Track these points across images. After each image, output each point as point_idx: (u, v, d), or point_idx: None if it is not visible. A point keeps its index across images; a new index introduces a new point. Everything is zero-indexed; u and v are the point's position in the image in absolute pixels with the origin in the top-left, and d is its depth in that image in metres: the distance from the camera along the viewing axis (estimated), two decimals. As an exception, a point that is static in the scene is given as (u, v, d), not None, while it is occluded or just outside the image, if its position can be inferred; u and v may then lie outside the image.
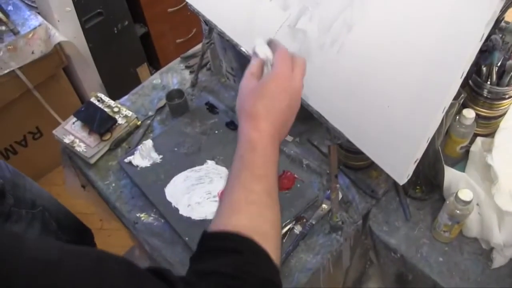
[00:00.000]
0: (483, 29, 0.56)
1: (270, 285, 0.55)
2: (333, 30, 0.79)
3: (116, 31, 2.13)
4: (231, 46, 1.27)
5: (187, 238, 1.08)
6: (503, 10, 0.90)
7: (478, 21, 0.56)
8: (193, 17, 2.44)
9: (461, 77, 0.62)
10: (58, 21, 1.83)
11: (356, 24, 0.74)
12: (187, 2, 1.20)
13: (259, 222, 0.58)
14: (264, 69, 0.69)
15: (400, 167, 0.76)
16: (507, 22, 1.04)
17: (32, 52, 1.72)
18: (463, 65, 0.60)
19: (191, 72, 1.51)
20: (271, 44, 0.71)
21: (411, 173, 0.76)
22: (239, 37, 1.06)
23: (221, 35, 1.12)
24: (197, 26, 2.52)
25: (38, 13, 1.81)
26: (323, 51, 0.83)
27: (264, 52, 0.69)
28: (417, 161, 0.74)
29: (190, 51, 1.57)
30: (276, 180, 0.63)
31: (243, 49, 1.05)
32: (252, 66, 0.70)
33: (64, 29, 1.85)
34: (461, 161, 1.13)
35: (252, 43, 1.00)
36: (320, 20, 0.81)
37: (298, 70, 0.68)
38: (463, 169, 1.10)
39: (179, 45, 2.49)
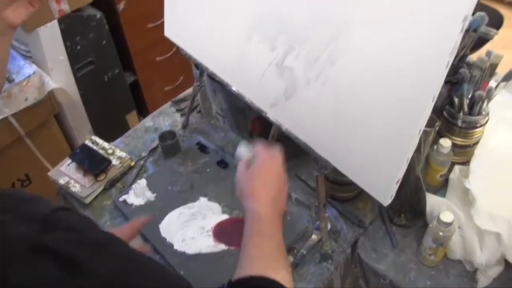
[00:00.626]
0: (447, 57, 0.64)
1: None
2: (317, 65, 0.86)
3: (106, 79, 2.21)
4: (220, 88, 1.34)
5: (182, 272, 1.11)
6: (467, 47, 0.99)
7: (443, 51, 0.64)
8: (181, 66, 2.55)
9: (432, 101, 0.69)
10: (51, 69, 1.90)
11: (338, 59, 0.82)
12: (179, 47, 1.28)
13: (277, 268, 0.69)
14: (250, 164, 0.85)
15: (384, 189, 0.82)
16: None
17: (26, 99, 1.77)
18: (434, 90, 0.68)
19: (182, 115, 1.58)
20: (252, 144, 0.89)
21: (394, 194, 0.82)
22: (230, 77, 1.13)
23: (212, 76, 1.20)
24: (184, 74, 2.62)
25: (33, 62, 1.88)
26: (309, 85, 0.90)
27: (246, 153, 0.88)
28: (399, 182, 0.80)
29: (181, 95, 1.65)
30: (282, 239, 0.76)
31: (233, 88, 1.12)
32: (241, 164, 0.86)
33: (57, 77, 1.92)
34: (441, 189, 1.20)
35: (242, 81, 1.08)
36: (306, 57, 0.88)
37: (275, 153, 0.85)
38: (444, 196, 1.16)
39: (166, 93, 2.57)
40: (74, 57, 1.99)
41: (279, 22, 0.92)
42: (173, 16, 1.28)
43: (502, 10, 2.35)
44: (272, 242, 0.74)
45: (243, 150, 0.89)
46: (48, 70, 1.89)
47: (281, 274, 0.67)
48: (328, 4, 0.82)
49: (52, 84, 1.85)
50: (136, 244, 0.98)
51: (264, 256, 0.71)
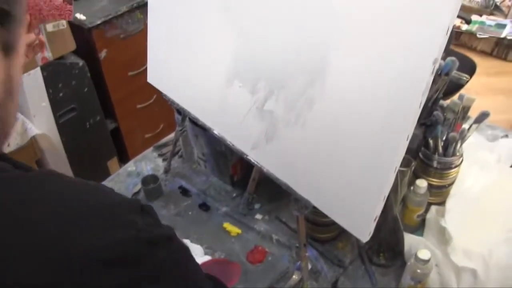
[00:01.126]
0: (420, 98, 0.68)
1: None
2: (297, 107, 0.90)
3: (88, 126, 2.23)
4: (202, 133, 1.37)
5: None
6: (440, 90, 1.05)
7: (416, 92, 0.69)
8: (161, 113, 2.59)
9: (407, 140, 0.73)
10: (34, 115, 1.92)
11: (316, 100, 0.86)
12: (162, 93, 1.32)
13: None
14: None
15: (362, 226, 0.84)
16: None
17: (8, 145, 1.78)
18: (408, 129, 0.72)
19: (164, 160, 1.59)
20: None
21: (372, 231, 0.84)
22: (212, 120, 1.16)
23: (195, 120, 1.23)
24: (164, 122, 2.65)
25: (15, 108, 1.89)
26: (288, 127, 0.93)
27: None
28: (376, 219, 0.82)
29: (163, 140, 1.67)
30: None
31: (215, 132, 1.15)
32: None
33: (39, 123, 1.94)
34: (419, 229, 1.23)
35: (223, 125, 1.12)
36: (285, 100, 0.92)
37: None
38: (421, 235, 1.19)
39: (147, 140, 2.59)
40: (56, 104, 2.01)
41: (257, 68, 0.97)
42: (155, 63, 1.32)
43: (475, 58, 2.48)
44: None
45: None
46: (30, 117, 1.91)
47: None
48: (302, 51, 0.86)
49: (34, 130, 1.86)
50: None
51: None
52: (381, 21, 0.72)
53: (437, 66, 0.66)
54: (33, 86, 1.89)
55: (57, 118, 2.04)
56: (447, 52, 0.96)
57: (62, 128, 2.08)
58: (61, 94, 2.03)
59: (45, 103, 1.96)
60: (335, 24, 0.79)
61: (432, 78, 0.67)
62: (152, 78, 1.35)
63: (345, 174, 0.84)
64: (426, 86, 0.67)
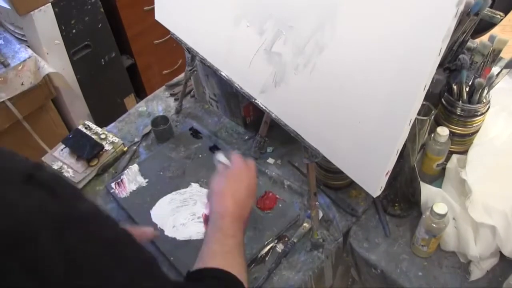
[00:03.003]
0: (440, 44, 0.60)
1: None
2: (306, 52, 0.83)
3: (103, 63, 2.18)
4: (213, 73, 1.31)
5: (172, 258, 1.10)
6: (468, 32, 0.95)
7: (435, 37, 0.61)
8: (179, 49, 2.50)
9: (424, 90, 0.65)
10: (47, 53, 1.87)
11: (326, 46, 0.79)
12: (170, 31, 1.25)
13: (233, 264, 0.73)
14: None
15: (373, 180, 0.79)
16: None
17: (22, 84, 1.75)
18: (425, 79, 0.64)
19: (175, 100, 1.55)
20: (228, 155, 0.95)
21: (383, 186, 0.79)
22: (220, 62, 1.10)
23: (203, 61, 1.17)
24: (182, 58, 2.58)
25: (28, 46, 1.85)
26: (297, 72, 0.87)
27: (224, 160, 0.94)
28: (388, 174, 0.77)
29: (175, 79, 1.62)
30: (243, 240, 0.81)
31: (223, 73, 1.09)
32: (219, 167, 0.93)
33: (52, 61, 1.89)
34: (438, 179, 1.17)
35: (231, 67, 1.05)
36: (294, 43, 0.85)
37: (251, 164, 0.91)
38: (440, 186, 1.13)
39: (165, 76, 2.54)
40: (69, 41, 1.96)
41: (266, 7, 0.89)
42: (163, 1, 1.24)
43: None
44: (234, 240, 0.78)
45: (221, 158, 0.95)
46: (43, 54, 1.86)
47: (238, 271, 0.71)
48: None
49: (48, 68, 1.82)
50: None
51: (224, 253, 0.76)
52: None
53: (461, 8, 0.57)
54: (44, 23, 1.83)
55: (71, 55, 1.99)
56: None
57: (76, 65, 2.04)
58: (74, 31, 1.97)
59: (58, 40, 1.91)
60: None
61: (455, 22, 0.59)
62: (160, 15, 1.28)
63: (356, 125, 0.78)
64: (447, 32, 0.59)
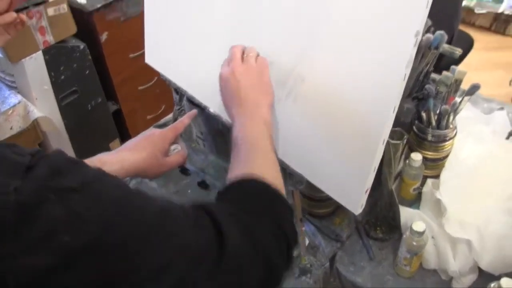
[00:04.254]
0: (404, 70, 0.69)
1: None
2: (288, 84, 0.91)
3: (89, 108, 2.25)
4: (200, 112, 1.38)
5: None
6: (431, 64, 1.05)
7: (400, 64, 0.69)
8: (162, 95, 2.60)
9: (393, 112, 0.74)
10: (36, 98, 1.94)
11: (306, 77, 0.87)
12: (159, 73, 1.33)
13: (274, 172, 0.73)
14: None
15: (354, 199, 0.86)
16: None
17: (11, 128, 1.81)
18: (393, 101, 0.73)
19: (163, 139, 1.61)
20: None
21: (364, 203, 0.85)
22: (207, 99, 1.18)
23: (192, 99, 1.24)
24: (165, 103, 2.66)
25: (18, 91, 1.91)
26: (279, 104, 0.94)
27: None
28: (368, 191, 0.84)
29: (162, 120, 1.69)
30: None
31: (211, 110, 1.17)
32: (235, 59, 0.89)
33: (41, 106, 1.96)
34: (415, 203, 1.24)
35: (219, 103, 1.12)
36: (277, 77, 0.93)
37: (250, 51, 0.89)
38: (418, 209, 1.20)
39: (148, 121, 2.61)
40: (58, 87, 2.03)
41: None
42: (153, 43, 1.33)
43: (474, 33, 2.46)
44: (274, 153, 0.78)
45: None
46: (32, 100, 1.93)
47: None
48: (291, 28, 0.88)
49: (36, 113, 1.88)
50: (177, 148, 1.00)
51: (267, 159, 0.75)
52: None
53: (419, 38, 0.66)
54: (35, 69, 1.91)
55: (59, 100, 2.06)
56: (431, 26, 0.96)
57: (64, 110, 2.10)
58: (62, 77, 2.04)
59: (47, 86, 1.98)
60: (321, 2, 0.80)
61: (415, 50, 0.68)
62: (150, 58, 1.36)
63: (335, 147, 0.86)
64: (409, 58, 0.68)
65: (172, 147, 0.98)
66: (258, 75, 0.86)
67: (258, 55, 0.89)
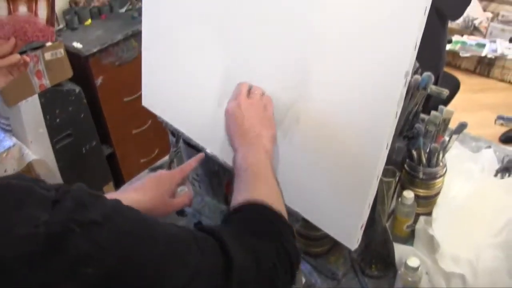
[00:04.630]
0: (395, 108, 0.73)
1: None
2: (283, 124, 0.95)
3: (84, 151, 2.27)
4: (196, 153, 1.41)
5: None
6: (419, 104, 1.10)
7: (392, 102, 0.73)
8: (156, 139, 2.63)
9: (386, 148, 0.77)
10: (31, 141, 1.96)
11: (301, 117, 0.91)
12: (156, 115, 1.36)
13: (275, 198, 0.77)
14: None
15: (350, 234, 0.88)
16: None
17: (5, 171, 1.82)
18: (386, 138, 0.76)
19: (159, 180, 1.62)
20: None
21: (360, 238, 0.88)
22: (204, 141, 1.21)
23: (188, 141, 1.27)
24: (159, 147, 2.69)
25: (12, 134, 1.94)
26: (276, 146, 0.98)
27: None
28: (363, 226, 0.86)
29: (159, 162, 1.71)
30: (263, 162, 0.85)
31: (208, 151, 1.19)
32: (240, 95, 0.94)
33: (36, 149, 1.98)
34: (409, 240, 1.26)
35: (216, 144, 1.16)
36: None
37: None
38: (412, 246, 1.22)
39: (142, 165, 2.63)
40: (53, 130, 2.06)
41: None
42: (150, 86, 1.37)
43: (459, 75, 2.55)
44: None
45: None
46: (27, 142, 1.95)
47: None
48: (286, 70, 0.92)
49: (31, 155, 1.90)
50: (184, 190, 1.02)
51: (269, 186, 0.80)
52: (356, 38, 0.77)
53: (409, 78, 0.71)
54: (30, 112, 1.94)
55: (53, 143, 2.08)
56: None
57: (58, 153, 2.12)
58: (58, 120, 2.07)
59: (42, 129, 2.01)
60: (315, 43, 0.84)
61: (405, 89, 0.72)
62: (147, 101, 1.40)
63: (331, 184, 0.88)
64: (400, 97, 0.72)
65: (179, 188, 1.00)
66: (262, 109, 0.91)
67: (263, 93, 0.95)
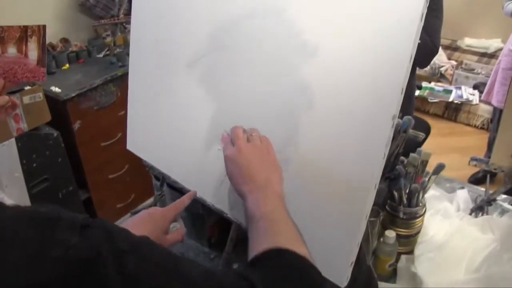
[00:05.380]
0: (383, 149, 0.77)
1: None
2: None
3: (60, 196, 2.24)
4: (179, 197, 1.41)
5: None
6: (400, 146, 1.16)
7: (380, 144, 0.78)
8: (132, 184, 2.62)
9: (374, 188, 0.81)
10: (6, 186, 1.93)
11: (291, 161, 0.94)
12: (142, 159, 1.37)
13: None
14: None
15: (340, 271, 0.90)
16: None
17: (-20, 216, 1.77)
18: (375, 178, 0.80)
19: (141, 224, 1.62)
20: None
21: (349, 276, 0.90)
22: (192, 183, 1.22)
23: (173, 184, 1.28)
24: (135, 192, 2.68)
25: (-12, 178, 1.91)
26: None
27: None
28: (353, 264, 0.89)
29: (140, 206, 1.71)
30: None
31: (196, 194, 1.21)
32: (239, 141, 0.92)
33: (11, 193, 1.94)
34: (391, 278, 1.29)
35: (203, 187, 1.17)
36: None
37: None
38: (395, 283, 1.25)
39: (118, 210, 2.61)
40: (29, 174, 2.04)
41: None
42: (135, 130, 1.38)
43: (429, 120, 2.67)
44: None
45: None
46: (2, 187, 1.92)
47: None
48: (275, 116, 0.95)
49: (6, 200, 1.86)
50: (177, 226, 1.02)
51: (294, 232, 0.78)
52: (345, 84, 0.82)
53: (395, 121, 0.75)
54: (7, 156, 1.92)
55: (29, 188, 2.05)
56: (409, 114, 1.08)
57: (34, 198, 2.09)
58: (34, 165, 2.05)
59: (18, 174, 1.98)
60: (304, 88, 0.89)
61: (392, 131, 0.76)
62: (131, 145, 1.40)
63: (321, 224, 0.91)
64: (388, 139, 0.76)
65: (172, 225, 1.02)
66: (265, 152, 0.90)
67: (260, 135, 0.95)
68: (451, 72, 4.23)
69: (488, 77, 3.28)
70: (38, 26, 1.09)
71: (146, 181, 1.40)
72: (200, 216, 1.42)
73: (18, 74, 1.10)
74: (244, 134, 0.93)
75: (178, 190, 1.28)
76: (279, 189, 0.85)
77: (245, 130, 0.95)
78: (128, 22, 2.81)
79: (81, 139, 2.33)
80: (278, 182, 0.87)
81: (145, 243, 0.58)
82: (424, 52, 2.13)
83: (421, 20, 0.71)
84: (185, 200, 1.06)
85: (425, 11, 0.71)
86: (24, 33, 1.08)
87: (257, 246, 0.72)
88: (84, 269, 0.49)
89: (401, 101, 0.74)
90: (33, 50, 1.10)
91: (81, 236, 0.50)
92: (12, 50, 1.08)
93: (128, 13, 2.88)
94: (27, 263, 0.47)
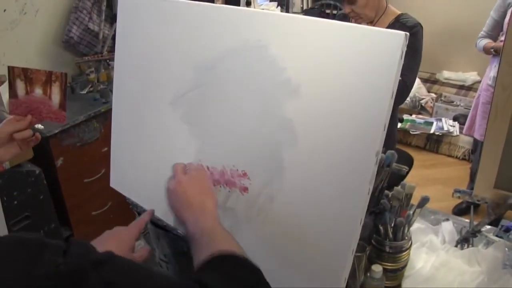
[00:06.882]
0: (368, 185, 0.78)
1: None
2: (257, 204, 0.98)
3: (42, 233, 2.19)
4: (164, 234, 1.40)
5: None
6: (384, 180, 1.16)
7: (364, 180, 0.78)
8: (115, 220, 2.58)
9: (360, 223, 0.81)
10: (-14, 226, 1.88)
11: (276, 197, 0.94)
12: (125, 197, 1.36)
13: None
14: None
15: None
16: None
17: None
18: (360, 214, 0.80)
19: (124, 262, 1.59)
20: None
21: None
22: (175, 221, 1.21)
23: (157, 222, 1.27)
24: (119, 228, 2.64)
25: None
26: (250, 223, 1.00)
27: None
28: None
29: (123, 243, 1.68)
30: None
31: (179, 231, 1.19)
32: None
33: (-9, 234, 1.90)
34: (379, 313, 1.28)
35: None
36: (246, 198, 1.00)
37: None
38: (382, 319, 1.24)
39: (102, 246, 2.56)
40: (10, 212, 2.00)
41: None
42: (118, 168, 1.37)
43: (411, 152, 2.69)
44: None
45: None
46: (-19, 227, 1.87)
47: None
48: (258, 154, 0.96)
49: (-14, 241, 1.82)
50: (141, 244, 1.05)
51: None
52: (329, 124, 0.83)
53: (379, 157, 0.76)
54: (-13, 195, 1.88)
55: (10, 226, 2.00)
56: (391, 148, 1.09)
57: (15, 237, 2.04)
58: (15, 202, 2.02)
59: (-1, 213, 1.94)
60: (288, 127, 0.89)
61: (376, 167, 0.77)
62: (115, 183, 1.39)
63: (308, 261, 0.90)
64: (372, 175, 0.77)
65: (137, 243, 1.06)
66: (200, 181, 1.01)
67: (198, 168, 1.05)
68: (431, 104, 4.32)
69: (467, 109, 3.34)
70: (61, 73, 1.19)
71: (129, 218, 1.37)
72: (185, 254, 1.39)
73: (43, 113, 1.22)
74: (183, 167, 1.04)
75: (162, 228, 1.27)
76: (214, 212, 0.96)
77: (185, 166, 1.05)
78: (112, 59, 2.83)
79: (64, 176, 2.30)
80: (213, 205, 0.98)
81: (113, 255, 0.65)
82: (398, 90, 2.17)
83: (401, 58, 0.73)
84: (145, 218, 1.13)
85: (405, 49, 0.73)
86: (49, 78, 1.19)
87: (200, 257, 0.80)
88: (74, 280, 0.56)
89: (384, 137, 0.75)
90: (56, 94, 1.21)
91: (65, 257, 0.58)
92: (38, 91, 1.21)
93: (112, 50, 2.90)
94: (20, 278, 0.54)
